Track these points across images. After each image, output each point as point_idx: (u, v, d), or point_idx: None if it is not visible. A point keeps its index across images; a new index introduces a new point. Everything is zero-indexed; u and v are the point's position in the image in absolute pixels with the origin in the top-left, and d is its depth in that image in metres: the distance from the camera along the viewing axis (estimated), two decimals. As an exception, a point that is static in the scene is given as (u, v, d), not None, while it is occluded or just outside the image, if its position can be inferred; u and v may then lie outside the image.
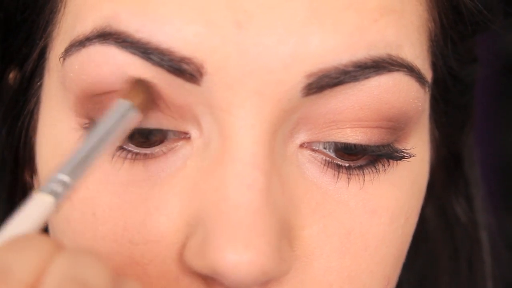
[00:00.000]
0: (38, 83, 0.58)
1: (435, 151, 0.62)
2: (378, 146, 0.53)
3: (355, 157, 0.53)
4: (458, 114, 0.64)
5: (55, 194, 0.45)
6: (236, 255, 0.47)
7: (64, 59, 0.52)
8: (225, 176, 0.49)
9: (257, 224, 0.48)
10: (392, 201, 0.53)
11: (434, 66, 0.57)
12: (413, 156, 0.54)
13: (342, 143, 0.52)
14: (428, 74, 0.55)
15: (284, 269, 0.50)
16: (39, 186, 0.61)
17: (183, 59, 0.49)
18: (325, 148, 0.52)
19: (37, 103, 0.58)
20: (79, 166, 0.46)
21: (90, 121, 0.52)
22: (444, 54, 0.58)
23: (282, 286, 0.51)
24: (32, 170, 0.62)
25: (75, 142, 0.53)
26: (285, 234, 0.50)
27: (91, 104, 0.52)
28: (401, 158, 0.54)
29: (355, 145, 0.52)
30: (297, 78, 0.49)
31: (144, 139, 0.51)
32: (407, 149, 0.54)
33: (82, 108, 0.52)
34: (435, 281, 0.72)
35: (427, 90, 0.54)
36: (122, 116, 0.49)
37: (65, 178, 0.46)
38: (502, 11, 0.61)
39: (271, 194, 0.49)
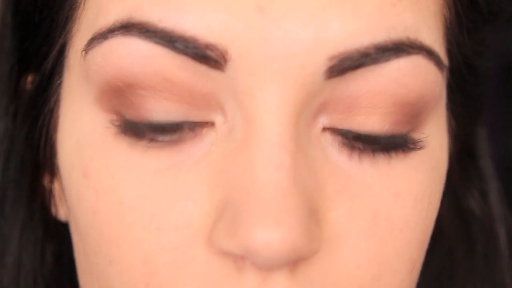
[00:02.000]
0: (58, 81, 0.58)
1: (452, 141, 0.63)
2: (394, 136, 0.53)
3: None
4: (473, 105, 0.65)
5: None
6: (268, 232, 0.47)
7: (86, 52, 0.53)
8: (252, 157, 0.49)
9: (287, 202, 0.48)
10: (414, 184, 0.54)
11: (450, 54, 0.58)
12: (428, 145, 0.55)
13: (355, 132, 0.53)
14: (445, 61, 0.55)
15: (314, 248, 0.50)
16: (60, 188, 0.61)
17: (207, 46, 0.49)
18: (342, 134, 0.53)
19: (57, 101, 0.58)
20: None
21: (120, 118, 0.52)
22: (459, 42, 0.58)
23: (311, 267, 0.51)
24: (52, 173, 0.62)
25: (102, 138, 0.53)
26: (313, 215, 0.50)
27: (116, 99, 0.52)
28: (416, 147, 0.54)
29: (369, 133, 0.53)
30: (320, 61, 0.50)
31: (162, 130, 0.52)
32: (422, 138, 0.54)
33: (107, 102, 0.53)
34: (451, 277, 0.71)
35: (445, 75, 0.55)
36: None
37: None
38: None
39: (298, 174, 0.49)
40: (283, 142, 0.49)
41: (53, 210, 0.64)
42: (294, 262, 0.50)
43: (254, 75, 0.49)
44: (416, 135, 0.54)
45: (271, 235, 0.47)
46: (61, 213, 0.63)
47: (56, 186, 0.63)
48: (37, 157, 0.62)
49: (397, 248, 0.53)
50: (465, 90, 0.62)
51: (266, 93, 0.50)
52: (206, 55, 0.49)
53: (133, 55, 0.50)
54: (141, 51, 0.50)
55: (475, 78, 0.63)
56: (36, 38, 0.59)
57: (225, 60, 0.49)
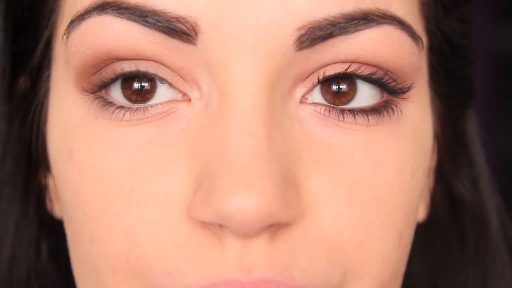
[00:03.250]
0: (46, 74, 0.60)
1: (439, 122, 0.63)
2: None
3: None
4: (459, 88, 0.64)
5: None
6: (240, 197, 0.48)
7: (67, 36, 0.55)
8: (226, 127, 0.50)
9: (260, 168, 0.49)
10: (395, 153, 0.54)
11: (428, 31, 0.58)
12: (409, 117, 0.55)
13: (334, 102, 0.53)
14: (422, 36, 0.56)
15: (291, 213, 0.50)
16: (54, 183, 0.62)
17: (178, 19, 0.51)
18: (323, 95, 0.53)
19: (46, 93, 0.60)
20: None
21: (97, 97, 0.54)
22: (437, 19, 0.59)
23: (292, 234, 0.51)
24: (46, 168, 0.63)
25: (84, 120, 0.54)
26: (289, 182, 0.51)
27: (94, 78, 0.54)
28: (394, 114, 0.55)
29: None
30: (289, 32, 0.51)
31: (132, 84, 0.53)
32: (402, 106, 0.55)
33: (85, 83, 0.54)
34: (446, 267, 0.71)
35: (421, 47, 0.55)
36: None
37: None
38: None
39: (272, 143, 0.50)
40: (256, 112, 0.50)
41: (48, 205, 0.65)
42: (274, 229, 0.50)
43: (225, 46, 0.51)
44: (395, 103, 0.55)
45: (244, 200, 0.48)
46: (56, 209, 0.64)
47: (50, 181, 0.64)
48: (31, 153, 0.63)
49: (381, 215, 0.53)
50: (449, 69, 0.62)
51: (238, 65, 0.51)
52: (177, 28, 0.51)
53: (107, 32, 0.52)
54: (115, 28, 0.52)
55: (458, 58, 0.63)
56: (25, 37, 0.61)
57: (196, 33, 0.51)
